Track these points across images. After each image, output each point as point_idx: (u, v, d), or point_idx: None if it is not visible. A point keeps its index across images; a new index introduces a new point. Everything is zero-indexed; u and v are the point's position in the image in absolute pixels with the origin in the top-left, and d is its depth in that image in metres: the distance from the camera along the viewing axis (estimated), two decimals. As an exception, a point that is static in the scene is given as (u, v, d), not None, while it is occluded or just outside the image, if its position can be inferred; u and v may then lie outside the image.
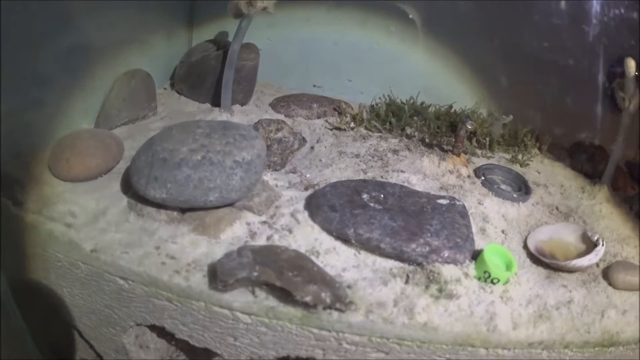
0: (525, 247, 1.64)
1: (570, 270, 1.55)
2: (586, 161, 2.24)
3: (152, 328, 1.50)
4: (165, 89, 2.41)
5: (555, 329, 1.34)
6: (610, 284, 1.54)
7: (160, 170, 1.47)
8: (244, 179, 1.50)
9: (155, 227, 1.50)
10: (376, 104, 2.34)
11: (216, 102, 2.23)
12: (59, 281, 1.51)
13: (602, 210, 1.93)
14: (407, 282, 1.39)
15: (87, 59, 1.85)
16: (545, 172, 2.15)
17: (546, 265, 1.57)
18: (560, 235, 1.69)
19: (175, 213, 1.53)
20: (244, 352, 1.39)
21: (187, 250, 1.43)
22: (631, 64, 1.89)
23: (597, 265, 1.60)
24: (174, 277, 1.35)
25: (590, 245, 1.60)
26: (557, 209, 1.89)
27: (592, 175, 2.16)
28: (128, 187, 1.59)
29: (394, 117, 2.18)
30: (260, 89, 2.49)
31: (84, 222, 1.49)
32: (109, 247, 1.41)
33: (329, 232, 1.51)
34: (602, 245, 1.57)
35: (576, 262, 1.52)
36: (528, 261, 1.59)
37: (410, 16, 2.46)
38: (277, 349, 1.36)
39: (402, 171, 1.87)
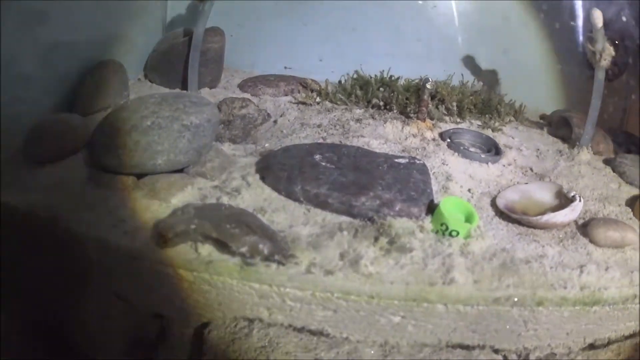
0: (494, 205, 1.59)
1: (545, 227, 1.50)
2: (563, 126, 2.21)
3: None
4: (139, 79, 2.40)
5: (524, 283, 1.28)
6: (591, 240, 1.48)
7: (112, 138, 1.48)
8: (192, 142, 1.50)
9: (110, 194, 1.48)
10: (344, 80, 2.31)
11: (186, 87, 2.22)
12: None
13: (581, 171, 1.90)
14: (355, 235, 1.34)
15: (62, 52, 1.86)
16: (521, 137, 2.12)
17: (518, 224, 1.52)
18: (534, 194, 1.64)
19: (130, 180, 1.51)
20: (192, 314, 1.35)
21: (137, 214, 1.41)
22: (597, 14, 1.85)
23: (576, 222, 1.55)
24: (122, 238, 1.32)
25: (567, 202, 1.54)
26: (531, 169, 1.86)
27: (570, 140, 2.13)
28: (89, 161, 1.60)
29: (360, 90, 2.14)
30: (231, 74, 2.50)
31: (45, 195, 1.48)
32: (66, 214, 1.40)
33: (279, 192, 1.49)
34: (580, 201, 1.52)
35: (549, 217, 1.47)
36: (497, 219, 1.55)
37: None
38: (222, 309, 1.32)
39: (362, 136, 1.84)
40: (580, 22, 2.39)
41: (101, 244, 1.34)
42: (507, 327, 1.29)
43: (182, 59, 2.23)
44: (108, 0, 2.08)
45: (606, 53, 1.91)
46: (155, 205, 1.45)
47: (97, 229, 1.35)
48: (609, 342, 1.38)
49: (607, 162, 2.06)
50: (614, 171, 1.98)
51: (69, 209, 1.42)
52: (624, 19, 2.26)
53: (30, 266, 1.47)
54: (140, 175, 1.53)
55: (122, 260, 1.34)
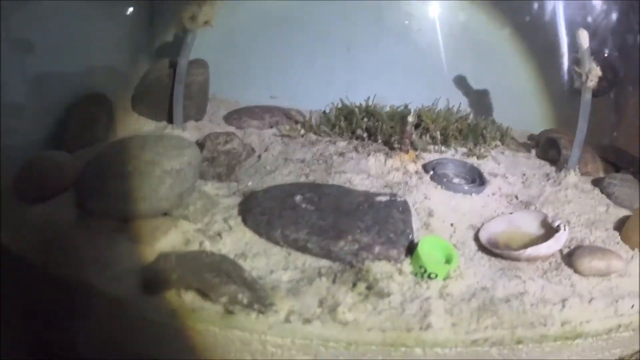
0: (477, 239, 1.59)
1: (528, 260, 1.49)
2: (551, 148, 2.21)
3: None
4: (126, 111, 2.41)
5: (503, 324, 1.28)
6: (575, 270, 1.47)
7: (96, 182, 1.51)
8: (173, 187, 1.51)
9: (97, 237, 1.49)
10: (329, 109, 2.34)
11: (172, 119, 2.24)
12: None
13: (567, 196, 1.89)
14: (334, 281, 1.36)
15: (50, 82, 1.89)
16: (507, 162, 2.12)
17: (501, 257, 1.52)
18: (518, 224, 1.63)
19: (115, 224, 1.53)
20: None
21: (123, 259, 1.42)
22: (583, 34, 1.85)
23: (561, 252, 1.55)
24: (108, 283, 1.34)
25: (552, 232, 1.53)
26: (516, 197, 1.86)
27: (558, 162, 2.13)
28: (76, 203, 1.60)
29: (345, 121, 2.17)
30: (217, 104, 2.52)
31: (33, 236, 1.50)
32: (54, 258, 1.42)
33: (260, 235, 1.50)
34: (564, 230, 1.51)
35: (532, 250, 1.46)
36: (479, 254, 1.54)
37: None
38: (207, 355, 1.33)
39: (344, 172, 1.85)
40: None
41: (88, 288, 1.36)
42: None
43: (167, 92, 2.25)
44: (95, 31, 2.12)
45: (593, 74, 1.91)
46: (140, 249, 1.46)
47: (85, 273, 1.37)
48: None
49: (595, 182, 2.06)
50: (602, 192, 1.98)
51: (57, 250, 1.44)
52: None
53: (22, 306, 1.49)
54: (124, 220, 1.54)
55: (109, 305, 1.36)
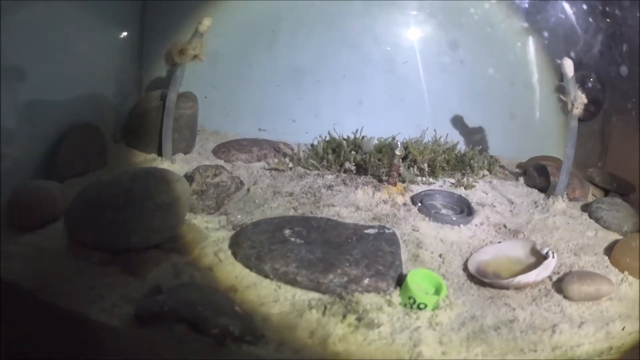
0: (466, 269, 1.61)
1: (517, 288, 1.51)
2: (539, 175, 2.23)
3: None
4: (115, 142, 2.43)
5: (493, 351, 1.29)
6: (565, 296, 1.49)
7: (87, 214, 1.52)
8: (164, 221, 1.53)
9: (89, 268, 1.51)
10: (317, 142, 2.38)
11: (161, 152, 2.25)
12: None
13: (555, 222, 1.92)
14: (324, 313, 1.37)
15: (41, 114, 1.90)
16: (495, 192, 2.16)
17: (490, 287, 1.53)
18: (507, 253, 1.65)
19: (106, 255, 1.54)
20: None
21: (114, 290, 1.43)
22: (568, 63, 1.89)
23: (550, 278, 1.57)
24: (100, 315, 1.34)
25: (540, 259, 1.56)
26: (504, 226, 1.88)
27: (546, 189, 2.15)
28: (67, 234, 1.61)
29: (333, 154, 2.20)
30: (206, 137, 2.55)
31: (24, 265, 1.50)
32: (46, 288, 1.42)
33: (250, 269, 1.52)
34: (553, 257, 1.53)
35: (521, 278, 1.48)
36: (468, 283, 1.56)
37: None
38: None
39: (333, 205, 1.88)
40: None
41: (81, 319, 1.35)
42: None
43: (156, 124, 2.27)
44: (86, 62, 2.14)
45: (578, 102, 1.95)
46: (132, 281, 1.47)
47: (77, 304, 1.37)
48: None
49: (584, 207, 2.09)
50: (590, 217, 2.01)
51: (49, 281, 1.44)
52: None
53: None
54: (115, 252, 1.55)
55: (102, 336, 1.36)
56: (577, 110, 1.96)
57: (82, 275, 1.48)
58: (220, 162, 2.27)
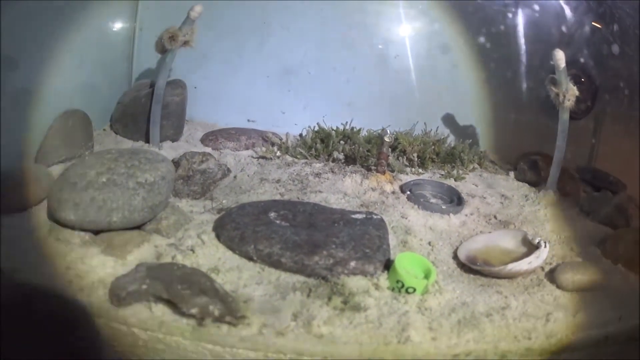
0: (456, 257, 1.58)
1: (509, 276, 1.49)
2: (529, 169, 2.23)
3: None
4: (104, 130, 2.41)
5: (486, 337, 1.26)
6: (558, 286, 1.48)
7: (69, 193, 1.47)
8: (146, 200, 1.50)
9: (69, 250, 1.47)
10: (305, 133, 2.36)
11: (149, 139, 2.22)
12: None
13: (547, 215, 1.91)
14: (308, 295, 1.34)
15: (28, 100, 1.87)
16: (485, 184, 2.16)
17: (481, 275, 1.51)
18: (498, 242, 1.63)
19: (87, 236, 1.51)
20: (146, 373, 1.33)
21: (94, 270, 1.39)
22: (559, 55, 1.87)
23: (542, 269, 1.55)
24: (78, 294, 1.31)
25: (532, 249, 1.54)
26: (495, 217, 1.87)
27: (537, 183, 2.15)
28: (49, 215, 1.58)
29: (321, 144, 2.18)
30: (195, 127, 2.52)
31: (9, 246, 1.45)
32: (25, 268, 1.38)
33: (233, 251, 1.49)
34: (545, 247, 1.52)
35: (513, 266, 1.46)
36: (458, 271, 1.54)
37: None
38: (176, 369, 1.31)
39: (320, 191, 1.86)
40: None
41: (59, 298, 1.32)
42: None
43: (144, 112, 2.25)
44: (75, 50, 2.11)
45: (570, 93, 1.93)
46: (111, 261, 1.44)
47: (55, 283, 1.34)
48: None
49: (574, 202, 2.08)
50: (581, 211, 2.00)
51: (29, 261, 1.41)
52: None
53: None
54: (96, 232, 1.52)
55: (79, 316, 1.32)
56: (569, 102, 1.94)
57: (61, 256, 1.45)
58: (208, 150, 2.24)
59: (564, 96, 1.93)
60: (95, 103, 2.33)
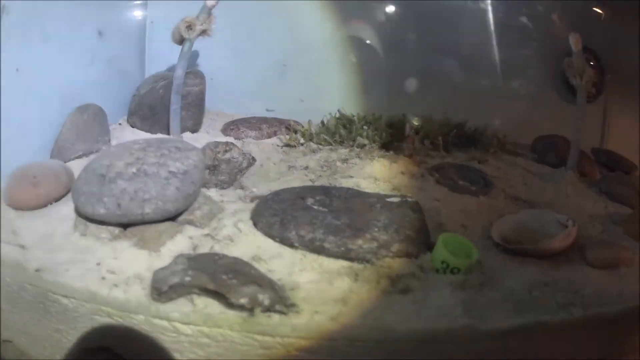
0: (489, 238, 1.58)
1: (541, 255, 1.49)
2: (549, 152, 2.25)
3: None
4: (120, 124, 2.37)
5: (528, 312, 1.26)
6: (587, 263, 1.49)
7: (97, 186, 1.43)
8: (180, 189, 1.45)
9: (98, 245, 1.43)
10: (327, 120, 2.32)
11: (168, 131, 2.18)
12: (9, 308, 1.41)
13: (568, 195, 1.91)
14: (356, 279, 1.31)
15: (43, 95, 1.84)
16: (507, 166, 2.14)
17: (514, 254, 1.51)
18: (526, 222, 1.64)
19: (117, 230, 1.47)
20: (190, 368, 1.29)
21: (127, 265, 1.35)
22: (576, 38, 1.90)
23: (571, 247, 1.55)
24: (112, 290, 1.27)
25: (560, 228, 1.55)
26: (520, 198, 1.86)
27: (556, 165, 2.15)
28: (75, 210, 1.54)
29: (344, 130, 2.14)
30: (213, 117, 2.48)
31: (31, 244, 1.42)
32: (53, 266, 1.34)
33: (273, 238, 1.45)
34: (573, 225, 1.52)
35: (545, 244, 1.48)
36: (494, 250, 1.54)
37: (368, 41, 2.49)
38: (223, 363, 1.26)
39: (351, 176, 1.83)
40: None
41: (91, 297, 1.28)
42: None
43: (163, 103, 2.21)
44: (87, 43, 2.09)
45: (587, 75, 1.95)
46: (145, 255, 1.40)
47: (85, 281, 1.29)
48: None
49: (592, 183, 2.09)
50: (600, 191, 2.01)
51: (55, 260, 1.36)
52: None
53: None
54: (126, 226, 1.48)
55: (113, 314, 1.28)
56: (585, 83, 1.96)
57: (90, 252, 1.41)
58: (230, 140, 2.20)
59: (581, 77, 1.95)
60: (109, 97, 2.28)
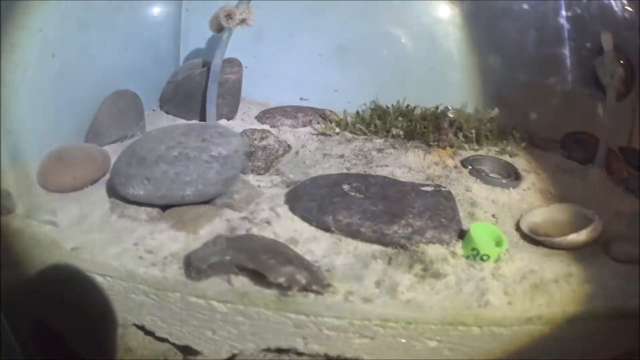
0: (519, 229, 1.61)
1: (567, 247, 1.51)
2: (577, 148, 2.24)
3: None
4: (154, 110, 2.40)
5: (555, 302, 1.29)
6: (612, 257, 1.50)
7: (138, 168, 1.46)
8: (221, 173, 1.49)
9: (135, 226, 1.47)
10: (362, 110, 2.34)
11: (204, 118, 2.21)
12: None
13: (596, 191, 1.91)
14: (389, 263, 1.35)
15: (77, 82, 1.86)
16: (537, 161, 2.14)
17: (542, 245, 1.53)
18: (555, 215, 1.66)
19: (155, 211, 1.51)
20: (223, 346, 1.33)
21: (165, 245, 1.40)
22: (608, 38, 1.91)
23: (597, 241, 1.56)
24: (150, 269, 1.31)
25: (586, 222, 1.56)
26: (549, 192, 1.87)
27: (584, 161, 2.14)
28: (112, 192, 1.58)
29: (379, 120, 2.16)
30: (247, 105, 2.50)
31: (67, 225, 1.47)
32: (89, 245, 1.39)
33: (309, 223, 1.48)
34: (599, 220, 1.54)
35: (572, 237, 1.49)
36: (522, 242, 1.56)
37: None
38: (256, 340, 1.31)
39: (386, 165, 1.86)
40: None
41: (128, 275, 1.33)
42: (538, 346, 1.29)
43: (199, 90, 2.24)
44: (120, 31, 2.12)
45: (617, 74, 1.96)
46: (183, 236, 1.44)
47: (123, 260, 1.34)
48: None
49: (619, 180, 2.07)
50: (627, 189, 2.00)
51: (92, 240, 1.41)
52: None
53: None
54: (165, 207, 1.52)
55: (149, 293, 1.33)
56: (617, 83, 1.96)
57: (128, 233, 1.45)
58: (266, 127, 2.22)
59: (612, 76, 1.95)
60: (143, 84, 2.30)
